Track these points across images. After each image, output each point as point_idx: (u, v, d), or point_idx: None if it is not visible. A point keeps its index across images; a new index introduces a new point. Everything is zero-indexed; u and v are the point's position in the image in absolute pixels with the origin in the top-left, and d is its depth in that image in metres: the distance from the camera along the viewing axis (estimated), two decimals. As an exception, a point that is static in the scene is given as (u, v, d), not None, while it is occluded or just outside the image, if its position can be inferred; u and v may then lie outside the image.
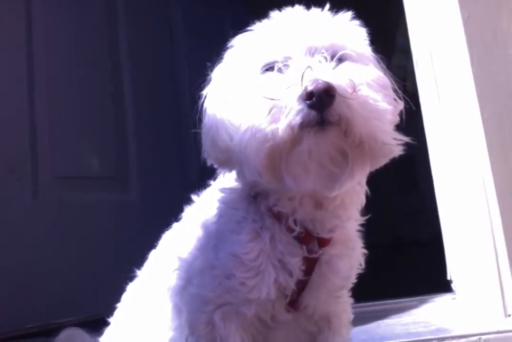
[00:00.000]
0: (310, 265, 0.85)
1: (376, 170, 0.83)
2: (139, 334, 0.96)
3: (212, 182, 0.94)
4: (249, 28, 0.85)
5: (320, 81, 0.70)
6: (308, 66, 0.72)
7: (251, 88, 0.77)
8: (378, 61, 0.85)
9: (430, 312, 1.58)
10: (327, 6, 0.84)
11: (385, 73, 0.83)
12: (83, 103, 1.96)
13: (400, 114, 0.83)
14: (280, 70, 0.77)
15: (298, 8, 0.85)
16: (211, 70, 0.85)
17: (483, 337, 1.34)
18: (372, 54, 0.85)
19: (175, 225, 0.99)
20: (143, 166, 2.09)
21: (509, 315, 1.44)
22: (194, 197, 0.96)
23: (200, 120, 0.85)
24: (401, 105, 0.83)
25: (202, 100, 0.85)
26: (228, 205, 0.87)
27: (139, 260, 1.01)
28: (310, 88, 0.70)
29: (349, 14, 0.85)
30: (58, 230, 1.79)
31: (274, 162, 0.73)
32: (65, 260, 1.75)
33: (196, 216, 0.93)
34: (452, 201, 1.58)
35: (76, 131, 1.91)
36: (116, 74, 2.09)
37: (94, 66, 2.02)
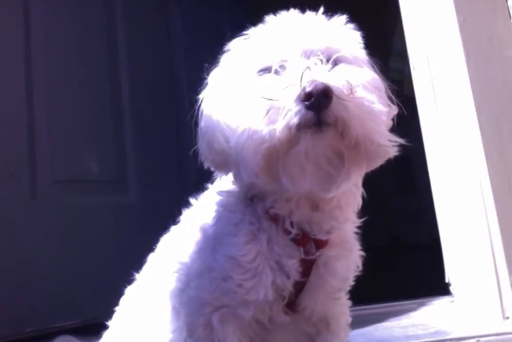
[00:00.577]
0: (307, 266, 0.85)
1: (374, 172, 0.83)
2: (137, 337, 0.96)
3: (209, 185, 0.95)
4: (245, 32, 0.86)
5: (319, 83, 0.70)
6: (307, 67, 0.73)
7: (247, 90, 0.77)
8: (372, 65, 0.86)
9: (429, 314, 1.58)
10: (321, 9, 0.85)
11: (379, 76, 0.84)
12: (82, 105, 1.96)
13: (393, 118, 0.84)
14: (276, 72, 0.77)
15: (293, 12, 0.85)
16: (208, 74, 0.86)
17: (482, 339, 1.34)
18: (366, 57, 0.85)
19: (173, 228, 0.99)
20: (142, 168, 2.09)
21: (507, 318, 1.44)
22: (192, 200, 0.96)
23: (197, 124, 0.85)
24: (394, 109, 0.84)
25: (199, 103, 0.86)
26: (225, 208, 0.88)
27: (139, 262, 1.01)
28: (308, 89, 0.70)
29: (343, 17, 0.85)
30: (58, 233, 1.78)
31: (271, 164, 0.73)
32: (64, 262, 1.75)
33: (194, 219, 0.94)
34: (450, 203, 1.58)
35: (74, 133, 1.91)
36: (115, 76, 2.09)
37: (92, 68, 2.02)
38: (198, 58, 2.39)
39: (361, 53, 0.85)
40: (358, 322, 1.36)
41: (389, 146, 0.76)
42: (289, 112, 0.71)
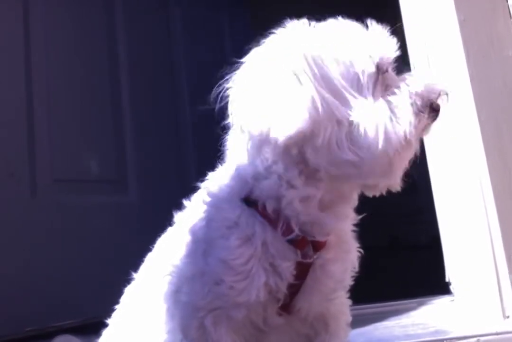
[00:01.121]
0: (304, 269, 0.85)
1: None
2: (135, 336, 0.96)
3: (201, 184, 0.93)
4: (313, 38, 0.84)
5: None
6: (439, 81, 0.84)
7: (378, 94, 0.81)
8: None
9: (429, 314, 1.59)
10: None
11: None
12: (82, 105, 1.96)
13: None
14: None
15: (343, 21, 0.88)
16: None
17: (482, 338, 1.34)
18: None
19: (169, 229, 0.98)
20: (142, 168, 2.09)
21: (508, 317, 1.44)
22: (185, 201, 0.95)
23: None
24: None
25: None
26: (217, 209, 0.87)
27: (138, 261, 1.01)
28: (437, 102, 0.83)
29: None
30: (57, 232, 1.78)
31: (401, 162, 0.81)
32: (64, 262, 1.75)
33: (186, 221, 0.93)
34: (450, 203, 1.58)
35: (74, 133, 1.91)
36: (115, 75, 2.09)
37: (92, 68, 2.02)
38: (198, 58, 2.41)
39: None
40: (358, 322, 1.36)
41: None
42: (423, 119, 0.81)
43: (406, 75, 0.86)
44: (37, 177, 1.79)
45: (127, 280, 1.03)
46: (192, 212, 0.92)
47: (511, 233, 1.47)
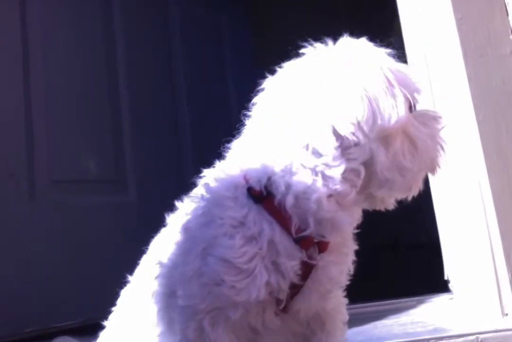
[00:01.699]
0: (307, 270, 0.85)
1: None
2: (130, 339, 0.96)
3: (200, 181, 0.92)
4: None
5: None
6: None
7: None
8: None
9: (428, 312, 1.59)
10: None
11: None
12: (80, 105, 1.96)
13: None
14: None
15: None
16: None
17: (481, 336, 1.34)
18: None
19: (162, 230, 0.98)
20: (141, 168, 2.09)
21: (507, 314, 1.44)
22: (177, 203, 0.95)
23: None
24: None
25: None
26: (219, 207, 0.85)
27: (138, 262, 1.01)
28: None
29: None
30: (57, 233, 1.79)
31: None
32: (64, 262, 1.75)
33: (179, 219, 0.92)
34: (449, 201, 1.59)
35: (73, 133, 1.91)
36: (113, 75, 2.09)
37: (90, 68, 2.02)
38: (197, 58, 2.41)
39: None
40: (356, 320, 1.37)
41: None
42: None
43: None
44: (36, 177, 1.79)
45: (124, 282, 1.03)
46: (186, 210, 0.91)
47: (510, 231, 1.47)
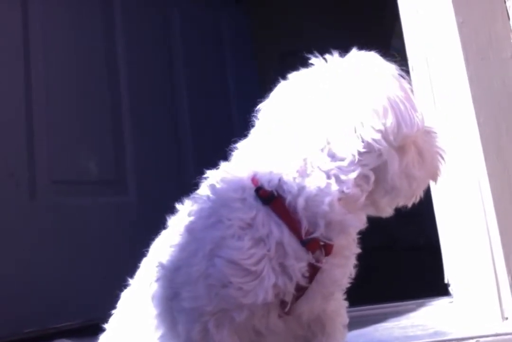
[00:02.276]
0: (313, 272, 0.85)
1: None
2: (131, 341, 0.96)
3: (204, 182, 0.91)
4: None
5: None
6: None
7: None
8: None
9: (428, 315, 1.58)
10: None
11: None
12: (81, 105, 1.96)
13: None
14: None
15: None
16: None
17: (481, 340, 1.34)
18: None
19: (164, 232, 0.97)
20: (141, 169, 2.09)
21: (507, 318, 1.44)
22: (178, 205, 0.94)
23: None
24: None
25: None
26: (226, 208, 0.85)
27: (138, 263, 1.01)
28: None
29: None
30: (57, 233, 1.79)
31: None
32: (64, 263, 1.75)
33: (182, 221, 0.91)
34: (449, 204, 1.58)
35: (73, 133, 1.91)
36: (113, 75, 2.09)
37: (91, 68, 2.02)
38: (197, 58, 2.41)
39: None
40: (357, 323, 1.37)
41: None
42: None
43: None
44: (36, 177, 1.79)
45: (125, 283, 1.02)
46: (188, 212, 0.90)
47: (510, 234, 1.47)
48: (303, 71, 0.92)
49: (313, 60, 0.91)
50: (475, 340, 1.34)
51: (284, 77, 0.93)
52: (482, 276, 1.48)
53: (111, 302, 1.03)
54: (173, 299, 0.87)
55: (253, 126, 0.93)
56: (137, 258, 1.01)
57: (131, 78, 2.12)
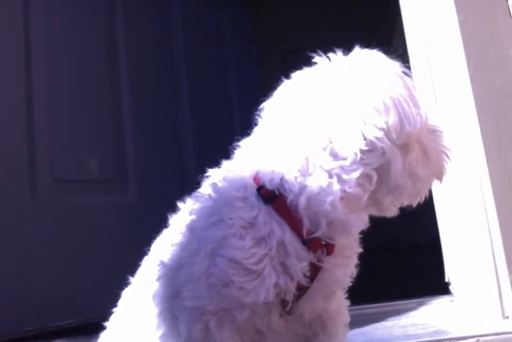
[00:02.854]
0: (315, 272, 0.85)
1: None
2: (131, 340, 0.96)
3: (206, 181, 0.91)
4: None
5: None
6: None
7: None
8: None
9: (429, 314, 1.59)
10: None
11: None
12: (82, 104, 1.96)
13: None
14: None
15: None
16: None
17: (481, 339, 1.34)
18: None
19: (164, 231, 0.97)
20: (142, 167, 2.09)
21: (507, 317, 1.44)
22: (179, 203, 0.94)
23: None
24: None
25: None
26: (228, 207, 0.84)
27: (138, 261, 1.01)
28: None
29: None
30: (57, 232, 1.79)
31: None
32: (64, 262, 1.76)
33: (183, 221, 0.91)
34: (450, 203, 1.58)
35: (74, 133, 1.92)
36: (114, 75, 2.09)
37: (92, 68, 2.02)
38: (198, 57, 2.41)
39: None
40: (357, 322, 1.37)
41: None
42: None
43: None
44: (37, 176, 1.79)
45: (125, 282, 1.02)
46: (190, 210, 0.90)
47: (511, 233, 1.47)
48: (306, 70, 0.91)
49: (316, 59, 0.90)
50: (475, 339, 1.34)
51: (285, 77, 0.92)
52: (483, 275, 1.48)
53: (111, 301, 1.03)
54: (174, 298, 0.87)
55: (256, 125, 0.93)
56: (138, 257, 1.00)
57: (132, 78, 2.12)
